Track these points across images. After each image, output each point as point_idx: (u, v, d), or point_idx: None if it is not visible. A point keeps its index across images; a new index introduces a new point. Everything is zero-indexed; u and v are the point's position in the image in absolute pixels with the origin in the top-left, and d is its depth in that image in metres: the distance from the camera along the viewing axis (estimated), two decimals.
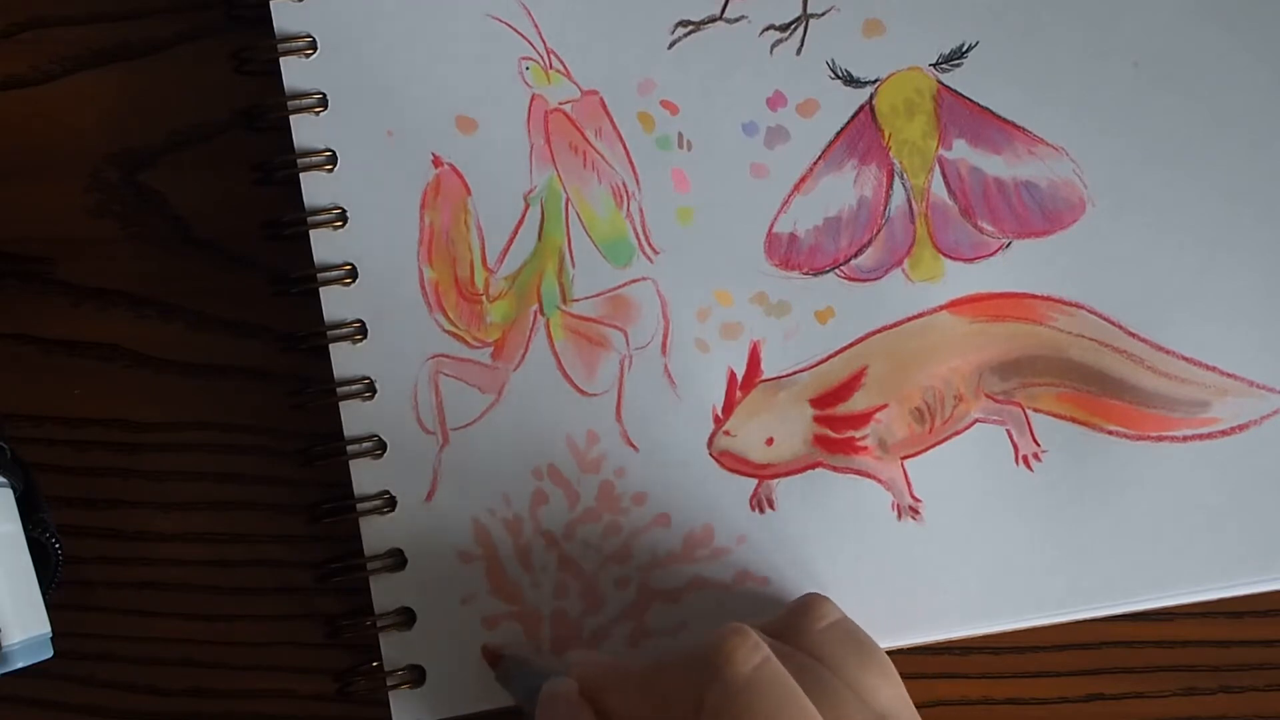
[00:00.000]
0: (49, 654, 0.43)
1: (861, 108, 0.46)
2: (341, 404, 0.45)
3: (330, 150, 0.45)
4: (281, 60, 0.45)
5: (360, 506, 0.45)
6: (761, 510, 0.46)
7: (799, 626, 0.41)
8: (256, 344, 0.47)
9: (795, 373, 0.46)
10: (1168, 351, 0.46)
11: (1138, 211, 0.46)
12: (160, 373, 0.47)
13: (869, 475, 0.46)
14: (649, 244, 0.46)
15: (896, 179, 0.46)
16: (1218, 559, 0.46)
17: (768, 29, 0.46)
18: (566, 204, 0.46)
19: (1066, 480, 0.46)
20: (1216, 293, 0.46)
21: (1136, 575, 0.46)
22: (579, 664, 0.41)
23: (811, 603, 0.42)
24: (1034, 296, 0.46)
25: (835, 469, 0.46)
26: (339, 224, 0.45)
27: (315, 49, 0.45)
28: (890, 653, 0.41)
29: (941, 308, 0.46)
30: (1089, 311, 0.46)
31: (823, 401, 0.46)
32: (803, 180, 0.46)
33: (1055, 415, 0.46)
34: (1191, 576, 0.46)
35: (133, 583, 0.47)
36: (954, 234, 0.46)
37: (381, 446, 0.45)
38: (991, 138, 0.46)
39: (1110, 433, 0.46)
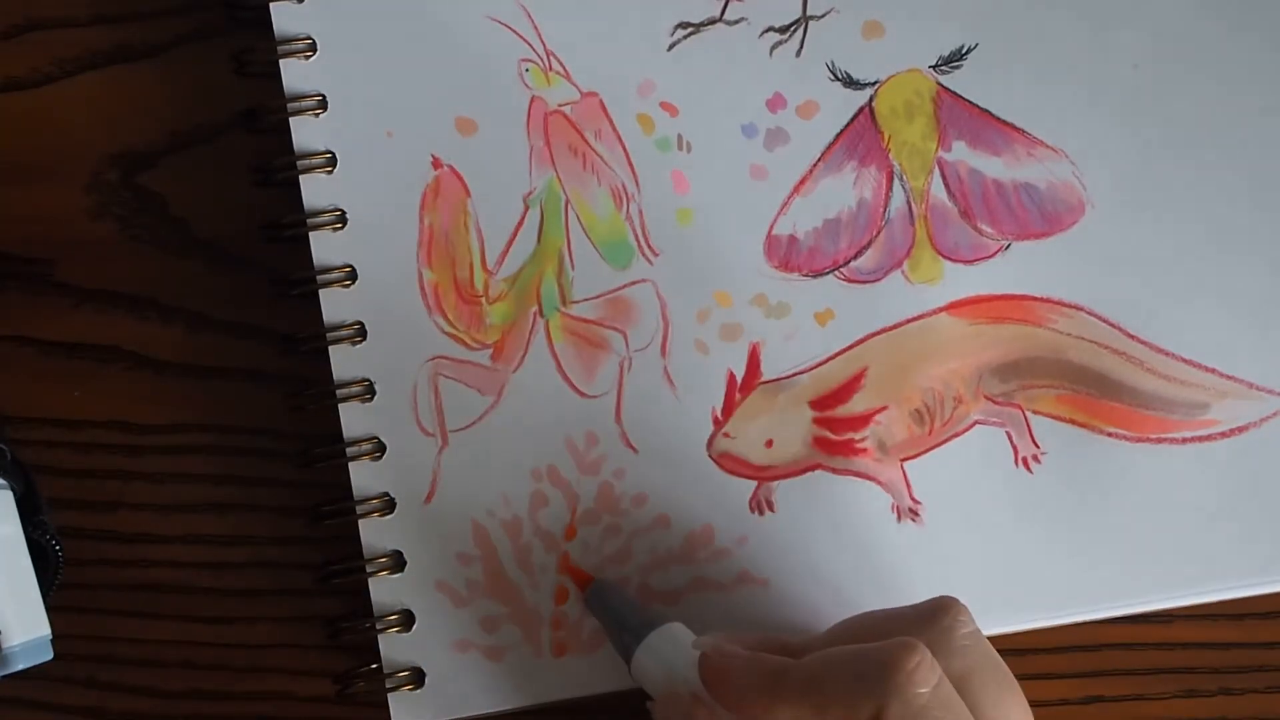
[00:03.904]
0: (49, 656, 0.43)
1: (861, 109, 0.46)
2: (341, 406, 0.45)
3: (330, 152, 0.45)
4: (281, 62, 0.45)
5: (360, 508, 0.45)
6: (761, 512, 0.46)
7: (936, 631, 0.39)
8: (256, 346, 0.47)
9: (795, 374, 0.46)
10: (1167, 353, 0.46)
11: (1137, 213, 0.46)
12: (160, 374, 0.47)
13: (868, 477, 0.46)
14: (648, 246, 0.46)
15: (896, 181, 0.46)
16: (1217, 561, 0.46)
17: (767, 31, 0.46)
18: (566, 206, 0.46)
19: (1066, 482, 0.46)
20: (1215, 295, 0.46)
21: (1136, 577, 0.46)
22: (712, 658, 0.40)
23: (950, 607, 0.40)
24: (1033, 298, 0.46)
25: (835, 471, 0.46)
26: (339, 225, 0.45)
27: (315, 50, 0.45)
28: None
29: (941, 309, 0.46)
30: (1088, 313, 0.46)
31: (822, 403, 0.46)
32: (802, 182, 0.46)
33: (1055, 417, 0.46)
34: (1191, 578, 0.46)
35: (132, 585, 0.47)
36: (953, 236, 0.46)
37: (381, 448, 0.45)
38: (991, 140, 0.46)
39: (1109, 435, 0.46)
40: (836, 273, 0.46)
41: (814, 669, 0.38)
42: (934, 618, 0.39)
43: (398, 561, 0.45)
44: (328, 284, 0.45)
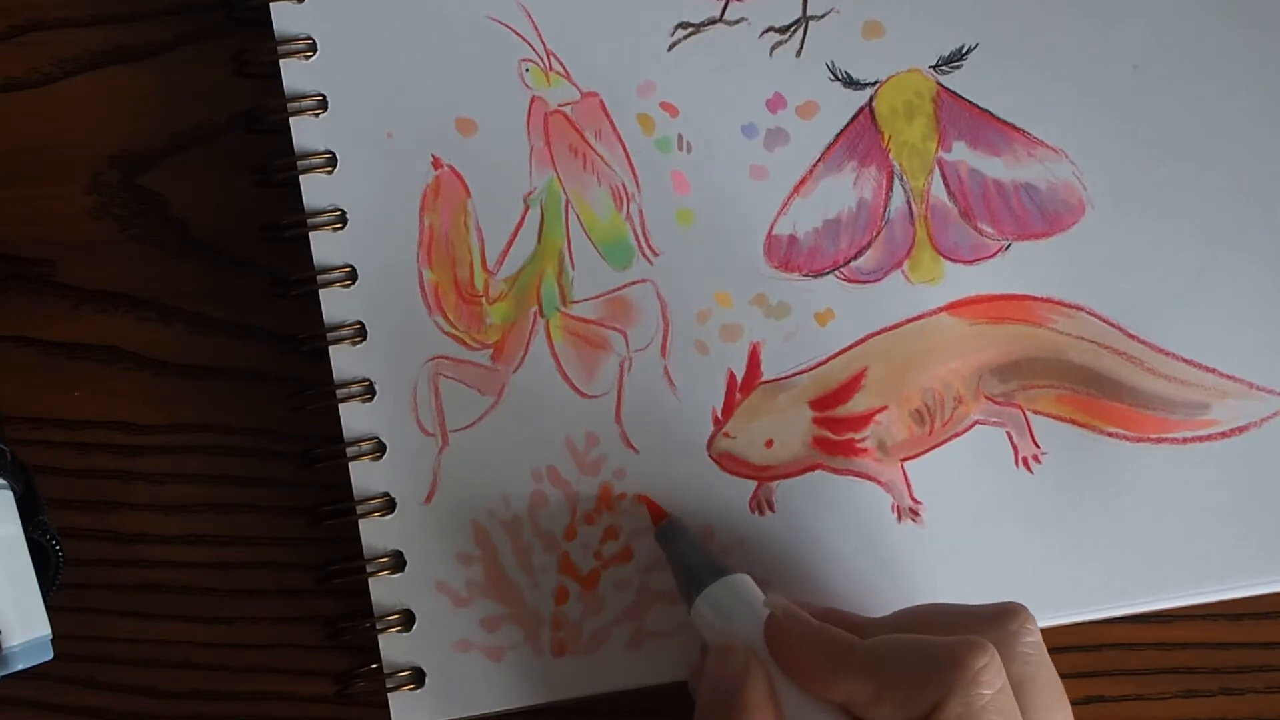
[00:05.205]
0: (49, 656, 0.43)
1: (861, 110, 0.46)
2: (341, 406, 0.45)
3: (330, 152, 0.45)
4: (281, 62, 0.45)
5: (360, 508, 0.45)
6: (761, 512, 0.46)
7: (1003, 635, 0.39)
8: (256, 346, 0.47)
9: (795, 375, 0.46)
10: (1167, 353, 0.46)
11: (1137, 213, 0.46)
12: (160, 375, 0.47)
13: (869, 477, 0.46)
14: (649, 246, 0.46)
15: (896, 181, 0.46)
16: (1217, 561, 0.46)
17: (767, 31, 0.46)
18: (566, 206, 0.46)
19: (1066, 482, 0.46)
20: (1216, 294, 0.46)
21: (1135, 577, 0.46)
22: (780, 620, 0.40)
23: (1019, 613, 0.40)
24: (1033, 298, 0.46)
25: (835, 471, 0.46)
26: (339, 226, 0.45)
27: (315, 51, 0.45)
28: None
29: (941, 309, 0.46)
30: (1088, 313, 0.46)
31: (822, 403, 0.46)
32: (802, 182, 0.46)
33: (1055, 417, 0.46)
34: (1190, 578, 0.46)
35: (133, 585, 0.47)
36: (954, 236, 0.46)
37: (381, 448, 0.45)
38: (991, 140, 0.46)
39: (1110, 435, 0.46)
40: (836, 273, 0.46)
41: (880, 651, 0.38)
42: (1002, 620, 0.39)
43: (398, 561, 0.45)
44: (328, 284, 0.45)
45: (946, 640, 0.38)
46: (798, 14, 0.46)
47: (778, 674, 0.39)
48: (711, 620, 0.41)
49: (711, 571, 0.42)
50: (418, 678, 0.45)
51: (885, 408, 0.46)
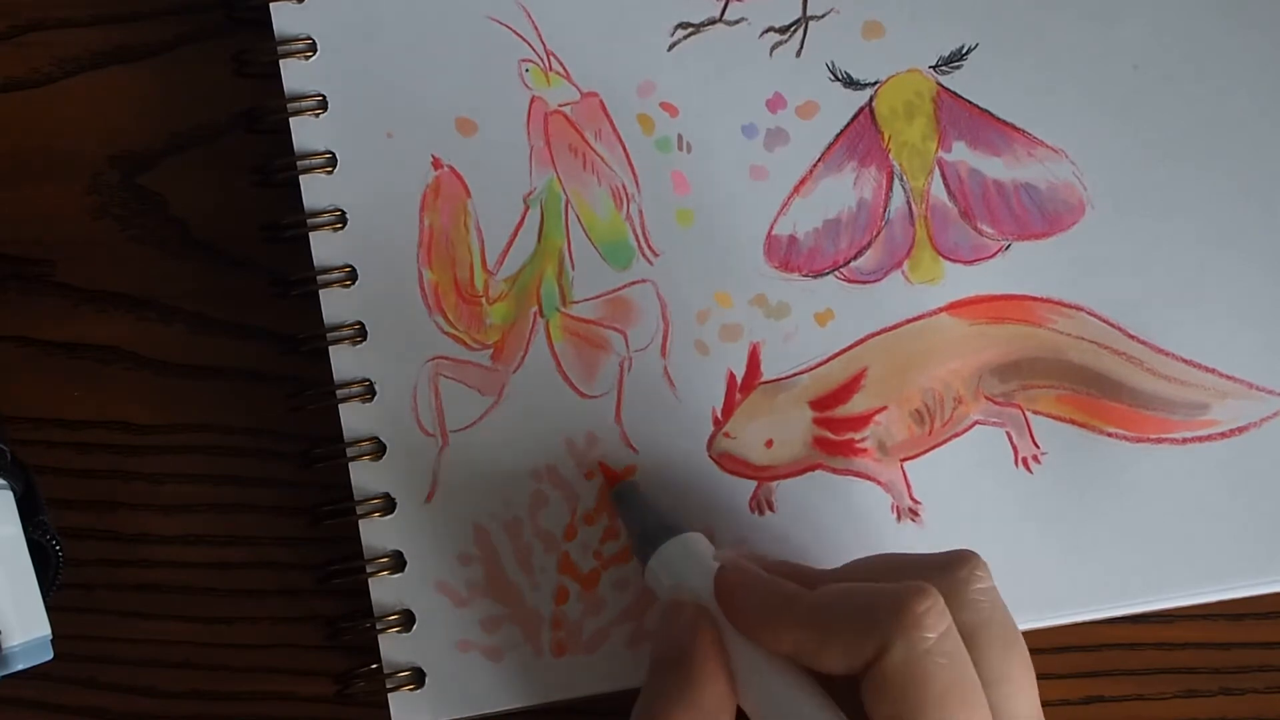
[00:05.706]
0: (49, 656, 0.43)
1: (861, 110, 0.46)
2: (341, 406, 0.45)
3: (330, 152, 0.45)
4: (281, 62, 0.45)
5: (360, 508, 0.45)
6: (761, 512, 0.46)
7: (952, 581, 0.39)
8: (256, 346, 0.47)
9: (795, 375, 0.46)
10: (1167, 354, 0.46)
11: (1137, 213, 0.46)
12: (160, 375, 0.47)
13: (868, 477, 0.46)
14: (649, 246, 0.46)
15: (896, 181, 0.46)
16: (1217, 561, 0.46)
17: (767, 31, 0.46)
18: (566, 206, 0.46)
19: (1066, 482, 0.46)
20: (1216, 295, 0.46)
21: (1135, 577, 0.46)
22: (729, 573, 0.40)
23: (969, 559, 0.39)
24: (1033, 299, 0.46)
25: (835, 471, 0.46)
26: (339, 226, 0.45)
27: (315, 51, 0.45)
28: None
29: (941, 310, 0.46)
30: (1088, 314, 0.46)
31: (822, 403, 0.46)
32: (802, 182, 0.46)
33: (1055, 417, 0.46)
34: (1190, 578, 0.46)
35: (132, 585, 0.47)
36: (953, 236, 0.46)
37: (381, 448, 0.45)
38: (991, 140, 0.46)
39: (1110, 435, 0.46)
40: (836, 273, 0.46)
41: (826, 600, 0.38)
42: (952, 567, 0.39)
43: (398, 561, 0.45)
44: (328, 284, 0.45)
45: (889, 586, 0.37)
46: (798, 14, 0.46)
47: (729, 630, 0.39)
48: (664, 579, 0.42)
49: (664, 531, 0.42)
50: (418, 678, 0.45)
51: (885, 408, 0.46)
